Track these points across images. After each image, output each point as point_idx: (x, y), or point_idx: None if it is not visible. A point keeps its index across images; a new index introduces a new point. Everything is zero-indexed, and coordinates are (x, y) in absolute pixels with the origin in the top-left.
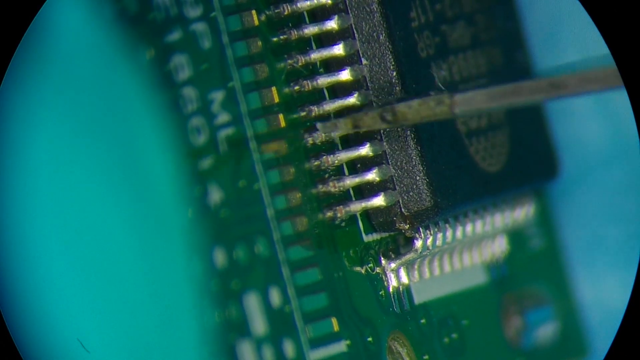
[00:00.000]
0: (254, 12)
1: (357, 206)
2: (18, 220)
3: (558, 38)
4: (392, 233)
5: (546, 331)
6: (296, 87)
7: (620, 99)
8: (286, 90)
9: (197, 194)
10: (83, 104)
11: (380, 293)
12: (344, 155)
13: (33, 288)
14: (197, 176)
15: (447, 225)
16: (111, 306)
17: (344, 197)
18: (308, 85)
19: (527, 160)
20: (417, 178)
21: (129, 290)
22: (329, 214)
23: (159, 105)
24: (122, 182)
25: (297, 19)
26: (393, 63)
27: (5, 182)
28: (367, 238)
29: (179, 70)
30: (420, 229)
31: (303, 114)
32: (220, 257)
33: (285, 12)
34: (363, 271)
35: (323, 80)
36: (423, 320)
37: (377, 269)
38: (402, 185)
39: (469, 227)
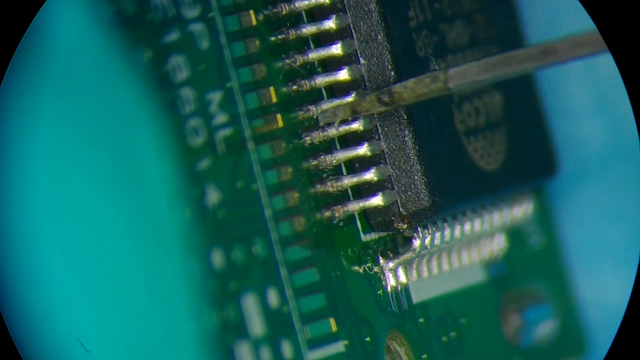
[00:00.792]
0: (251, 12)
1: (355, 206)
2: (17, 221)
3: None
4: (390, 232)
5: (545, 329)
6: (294, 87)
7: (620, 97)
8: (284, 90)
9: (194, 195)
10: (81, 105)
11: (378, 292)
12: (342, 155)
13: (33, 288)
14: (195, 177)
15: (445, 224)
16: (110, 307)
17: (342, 197)
18: (306, 85)
19: (525, 158)
20: (415, 177)
21: (127, 291)
22: (327, 213)
23: (156, 106)
24: (119, 183)
25: (295, 19)
26: (391, 62)
27: (4, 184)
28: (365, 238)
29: (176, 71)
30: (419, 228)
31: (301, 113)
32: (218, 258)
33: (283, 12)
34: (361, 271)
35: (321, 80)
36: (421, 320)
37: (375, 269)
38: (400, 185)
39: (467, 226)
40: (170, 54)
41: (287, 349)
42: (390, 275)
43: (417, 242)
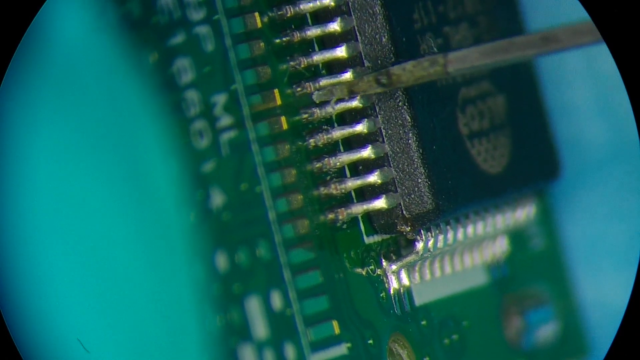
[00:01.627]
0: (256, 14)
1: (358, 208)
2: (19, 221)
3: None
4: (393, 235)
5: (546, 332)
6: (298, 89)
7: (621, 98)
8: (288, 92)
9: (199, 198)
10: (86, 108)
11: (381, 295)
12: (346, 157)
13: (33, 288)
14: (199, 179)
15: (448, 227)
16: (112, 309)
17: (346, 199)
18: (310, 87)
19: (528, 161)
20: (419, 180)
21: (131, 293)
22: (331, 216)
23: (161, 109)
24: (124, 185)
25: (300, 21)
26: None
27: (7, 185)
28: (368, 240)
29: (181, 73)
30: (422, 231)
31: (305, 116)
32: (222, 261)
33: (288, 14)
34: (364, 273)
35: (325, 82)
36: (424, 322)
37: (378, 271)
38: (403, 188)
39: (470, 229)
40: (175, 56)
41: (290, 351)
42: (393, 277)
43: (420, 245)
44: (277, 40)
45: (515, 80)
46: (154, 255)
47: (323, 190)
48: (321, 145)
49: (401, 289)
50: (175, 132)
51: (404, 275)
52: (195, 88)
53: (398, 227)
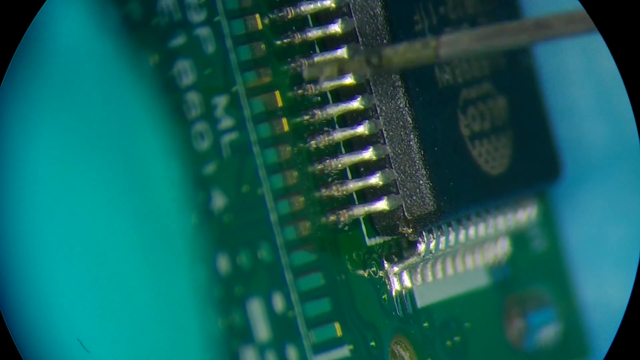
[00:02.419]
0: (257, 16)
1: (360, 210)
2: (19, 222)
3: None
4: (395, 237)
5: (548, 333)
6: (300, 91)
7: (622, 100)
8: (290, 94)
9: (200, 200)
10: (86, 109)
11: (383, 297)
12: (348, 159)
13: (34, 289)
14: (201, 182)
15: (450, 228)
16: (113, 311)
17: (347, 201)
18: (312, 89)
19: (530, 162)
20: (420, 182)
21: (132, 295)
22: (332, 217)
23: (162, 111)
24: (124, 188)
25: (301, 23)
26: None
27: (7, 186)
28: (370, 242)
29: (182, 75)
30: (423, 232)
31: (307, 117)
32: (223, 263)
33: (289, 16)
34: (366, 275)
35: (327, 84)
36: (426, 324)
37: (380, 273)
38: (405, 189)
39: (471, 230)
40: (176, 58)
41: (292, 353)
42: (395, 279)
43: (421, 247)
44: (278, 42)
45: (516, 82)
46: (155, 257)
47: (324, 192)
48: (322, 147)
49: (403, 290)
50: (176, 134)
51: (405, 277)
52: (196, 90)
53: (400, 228)
